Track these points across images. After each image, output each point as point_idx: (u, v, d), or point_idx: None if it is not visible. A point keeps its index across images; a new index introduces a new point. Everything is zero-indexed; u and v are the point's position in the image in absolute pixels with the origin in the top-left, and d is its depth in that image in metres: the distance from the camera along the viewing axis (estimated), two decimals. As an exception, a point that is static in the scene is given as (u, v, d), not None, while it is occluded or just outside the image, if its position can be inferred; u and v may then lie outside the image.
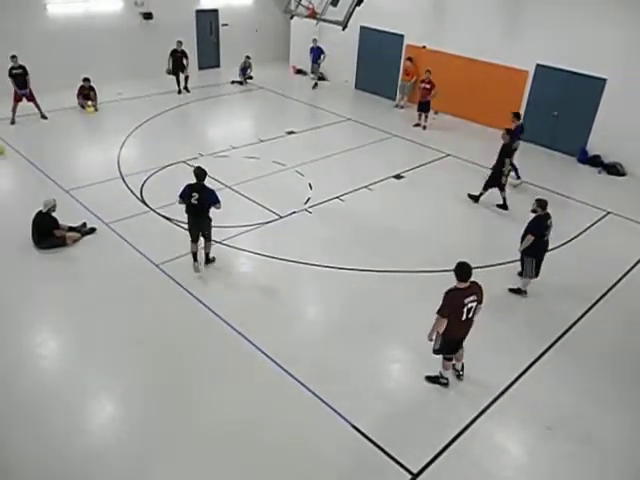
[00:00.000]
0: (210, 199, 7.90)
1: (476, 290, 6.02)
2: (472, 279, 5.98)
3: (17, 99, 13.27)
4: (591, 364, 7.09)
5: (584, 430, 6.13)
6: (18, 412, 5.93)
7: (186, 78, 16.62)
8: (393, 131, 14.72)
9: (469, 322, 6.10)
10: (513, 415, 6.27)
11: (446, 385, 6.51)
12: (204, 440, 5.69)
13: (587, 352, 7.28)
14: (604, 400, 6.55)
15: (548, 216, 7.92)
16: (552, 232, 8.06)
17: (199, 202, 7.85)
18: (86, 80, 14.67)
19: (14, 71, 13.10)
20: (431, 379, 6.57)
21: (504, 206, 10.93)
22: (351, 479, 5.44)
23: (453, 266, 6.02)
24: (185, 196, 7.92)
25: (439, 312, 5.95)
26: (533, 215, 7.98)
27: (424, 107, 14.89)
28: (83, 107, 14.70)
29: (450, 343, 6.23)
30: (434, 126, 15.24)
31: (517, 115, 11.94)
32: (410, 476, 5.41)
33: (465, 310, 5.92)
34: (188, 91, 16.75)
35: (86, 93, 14.71)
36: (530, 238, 7.83)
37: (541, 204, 7.91)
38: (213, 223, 8.22)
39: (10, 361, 6.59)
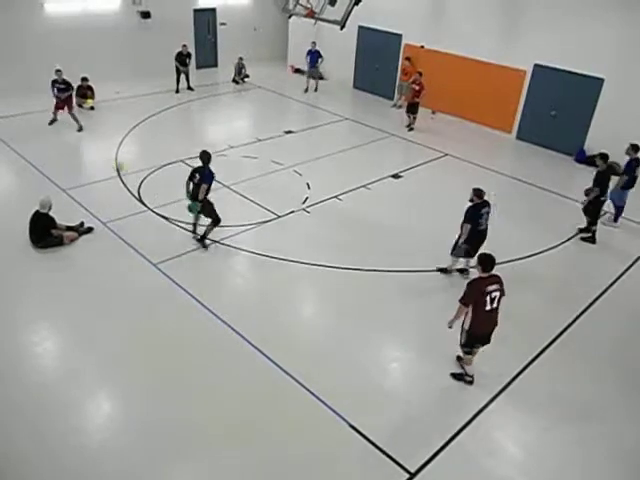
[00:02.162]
0: (206, 181, 8.48)
1: (498, 280, 6.13)
2: (494, 272, 6.13)
3: (58, 107, 13.29)
4: (590, 363, 7.10)
5: (583, 428, 6.15)
6: (15, 411, 5.91)
7: (187, 77, 16.68)
8: (391, 131, 14.73)
9: (494, 313, 6.13)
10: (512, 414, 6.28)
11: (471, 383, 6.51)
12: (202, 440, 5.68)
13: (585, 351, 7.30)
14: (604, 397, 6.57)
15: (484, 205, 8.01)
16: (489, 220, 8.16)
17: (198, 182, 8.50)
18: (84, 80, 14.62)
19: (57, 85, 13.04)
20: (456, 376, 6.60)
21: (590, 237, 9.93)
22: (348, 478, 5.44)
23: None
24: (190, 177, 8.70)
25: (461, 300, 6.03)
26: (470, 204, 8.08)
27: (412, 108, 14.85)
28: (81, 105, 14.67)
29: (477, 337, 6.24)
30: (432, 125, 15.27)
31: (635, 147, 9.93)
32: (408, 475, 5.41)
33: (489, 299, 5.99)
34: (192, 89, 16.80)
35: (83, 93, 14.68)
36: (467, 227, 7.94)
37: (477, 193, 8.02)
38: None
39: (7, 360, 6.57)
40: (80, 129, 13.43)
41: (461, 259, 8.51)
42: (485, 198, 8.07)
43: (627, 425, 6.25)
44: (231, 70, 18.29)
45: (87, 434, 5.74)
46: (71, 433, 5.70)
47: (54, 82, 13.06)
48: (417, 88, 14.55)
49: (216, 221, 8.78)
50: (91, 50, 16.43)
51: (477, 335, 6.21)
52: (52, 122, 13.49)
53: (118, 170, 11.19)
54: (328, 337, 7.30)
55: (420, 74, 14.59)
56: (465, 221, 8.00)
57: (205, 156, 8.58)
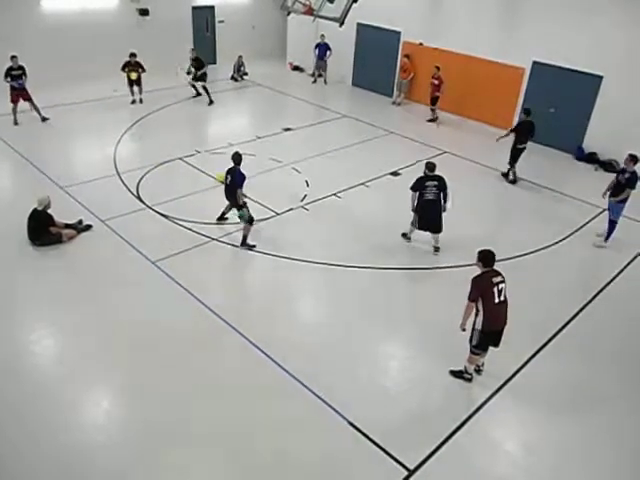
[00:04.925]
0: (236, 183, 8.60)
1: (499, 272, 6.11)
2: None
3: (14, 100, 13.04)
4: (590, 358, 7.11)
5: (584, 423, 6.15)
6: (12, 409, 5.90)
7: (206, 90, 15.74)
8: (390, 128, 14.71)
9: (504, 306, 6.09)
10: (511, 410, 6.29)
11: (470, 380, 6.49)
12: (201, 438, 5.68)
13: (586, 346, 7.30)
14: (605, 392, 6.58)
15: (432, 178, 8.78)
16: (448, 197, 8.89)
17: (230, 183, 8.72)
18: (132, 55, 14.64)
19: (13, 72, 12.80)
20: (455, 374, 6.56)
21: (511, 179, 12.05)
22: (347, 475, 5.44)
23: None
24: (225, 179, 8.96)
25: (469, 297, 6.01)
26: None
27: (433, 102, 15.07)
28: (130, 80, 14.88)
29: (490, 335, 6.15)
30: (431, 123, 15.26)
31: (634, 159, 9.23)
32: (406, 472, 5.42)
33: (496, 290, 5.96)
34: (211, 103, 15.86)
35: (131, 69, 14.75)
36: (413, 194, 8.86)
37: (429, 166, 8.89)
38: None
39: (5, 358, 6.56)
40: (43, 119, 13.42)
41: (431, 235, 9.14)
42: (436, 173, 8.84)
43: (629, 420, 6.26)
44: (230, 67, 18.27)
45: (84, 432, 5.74)
46: (68, 431, 5.70)
47: (9, 69, 12.74)
48: (437, 82, 14.69)
49: (250, 221, 8.78)
50: (89, 47, 16.40)
51: (489, 332, 6.12)
52: (16, 123, 13.15)
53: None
54: (327, 334, 7.30)
55: (438, 68, 14.68)
56: (410, 188, 8.90)
57: (237, 157, 8.70)
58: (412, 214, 9.08)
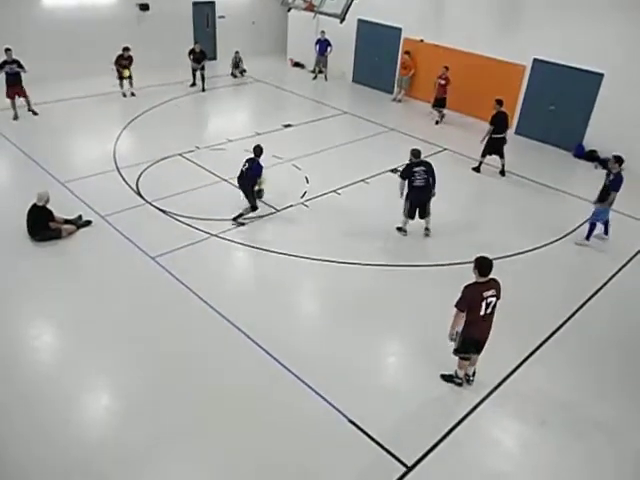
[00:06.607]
0: (254, 172, 9.23)
1: (495, 286, 5.94)
2: (491, 276, 5.91)
3: (10, 95, 12.99)
4: (585, 359, 7.13)
5: (581, 422, 6.17)
6: (15, 404, 5.92)
7: (202, 78, 16.33)
8: (390, 125, 14.70)
9: (489, 319, 6.00)
10: (508, 409, 6.30)
11: (460, 385, 6.45)
12: (202, 433, 5.69)
13: (581, 347, 7.32)
14: (601, 391, 6.60)
15: (418, 164, 9.02)
16: (435, 184, 9.21)
17: (245, 171, 9.30)
18: (125, 49, 14.70)
19: (8, 65, 12.76)
20: (445, 378, 6.53)
21: (476, 168, 12.32)
22: (346, 472, 5.45)
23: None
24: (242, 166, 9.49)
25: (456, 305, 5.86)
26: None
27: (440, 103, 14.88)
28: (120, 75, 14.92)
29: (471, 342, 6.12)
30: (431, 120, 15.25)
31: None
32: (404, 469, 5.44)
33: (484, 304, 5.83)
34: (204, 91, 16.37)
35: (123, 63, 14.80)
36: (402, 182, 9.08)
37: (414, 153, 9.11)
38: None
39: (5, 354, 6.57)
40: (34, 113, 13.42)
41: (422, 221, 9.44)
42: (422, 159, 9.13)
43: (631, 418, 6.26)
44: (230, 63, 18.23)
45: (88, 426, 5.77)
46: (70, 426, 5.71)
47: (4, 63, 12.75)
48: (443, 82, 14.56)
49: (253, 208, 9.41)
50: (89, 43, 16.34)
51: (471, 339, 6.11)
52: (16, 117, 13.13)
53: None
54: (326, 332, 7.31)
55: (447, 68, 14.51)
56: (399, 176, 9.18)
57: (258, 149, 9.36)
58: (402, 203, 9.30)
